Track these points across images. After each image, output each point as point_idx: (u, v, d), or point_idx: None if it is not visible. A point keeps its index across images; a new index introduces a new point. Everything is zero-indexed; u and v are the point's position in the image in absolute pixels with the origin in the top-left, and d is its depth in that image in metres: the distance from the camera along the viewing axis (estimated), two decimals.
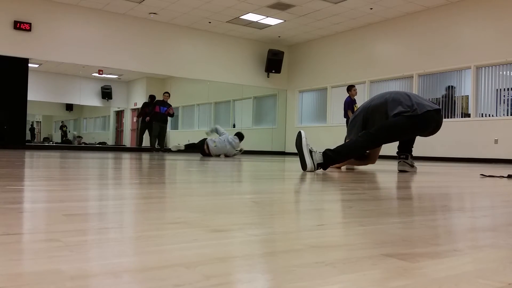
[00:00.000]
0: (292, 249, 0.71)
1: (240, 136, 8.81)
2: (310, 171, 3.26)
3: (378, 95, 3.77)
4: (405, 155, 3.79)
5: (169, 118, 11.50)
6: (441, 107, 3.69)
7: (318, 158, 3.29)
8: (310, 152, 3.28)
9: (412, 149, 3.85)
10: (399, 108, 3.43)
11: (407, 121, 3.41)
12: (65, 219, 0.93)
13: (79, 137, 15.63)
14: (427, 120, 3.45)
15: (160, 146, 11.19)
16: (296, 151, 3.41)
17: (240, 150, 8.94)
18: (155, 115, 11.04)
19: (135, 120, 12.32)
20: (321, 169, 3.38)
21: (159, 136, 11.15)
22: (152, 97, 11.86)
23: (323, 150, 3.41)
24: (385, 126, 3.45)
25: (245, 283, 0.52)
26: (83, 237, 0.76)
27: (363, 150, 3.58)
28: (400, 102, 3.48)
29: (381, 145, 3.65)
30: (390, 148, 5.78)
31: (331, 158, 3.33)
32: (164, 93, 11.26)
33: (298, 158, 3.35)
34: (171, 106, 11.24)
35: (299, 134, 3.35)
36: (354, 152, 3.51)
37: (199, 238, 0.77)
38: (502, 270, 0.61)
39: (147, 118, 11.20)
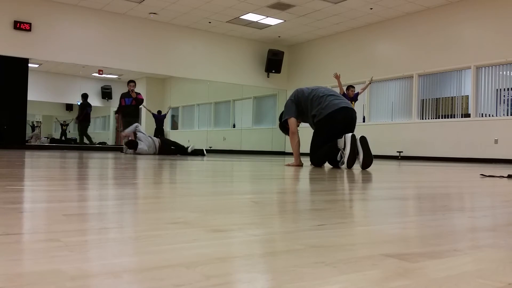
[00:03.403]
0: (292, 249, 0.71)
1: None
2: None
3: (303, 93, 4.42)
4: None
5: (158, 115, 10.52)
6: (350, 107, 4.31)
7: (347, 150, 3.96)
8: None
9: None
10: (313, 111, 4.25)
11: (319, 129, 4.20)
12: (65, 219, 0.93)
13: (36, 135, 14.94)
14: (334, 118, 4.14)
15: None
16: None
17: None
18: (123, 110, 9.49)
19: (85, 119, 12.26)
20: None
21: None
22: (85, 96, 11.53)
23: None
24: (314, 146, 4.26)
25: (245, 283, 0.52)
26: (83, 237, 0.76)
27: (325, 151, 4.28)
28: (312, 107, 4.27)
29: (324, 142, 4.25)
30: (391, 148, 5.77)
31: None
32: (128, 82, 9.42)
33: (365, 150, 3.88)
34: (138, 94, 9.46)
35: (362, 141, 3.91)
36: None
37: (199, 238, 0.77)
38: (502, 270, 0.61)
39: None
